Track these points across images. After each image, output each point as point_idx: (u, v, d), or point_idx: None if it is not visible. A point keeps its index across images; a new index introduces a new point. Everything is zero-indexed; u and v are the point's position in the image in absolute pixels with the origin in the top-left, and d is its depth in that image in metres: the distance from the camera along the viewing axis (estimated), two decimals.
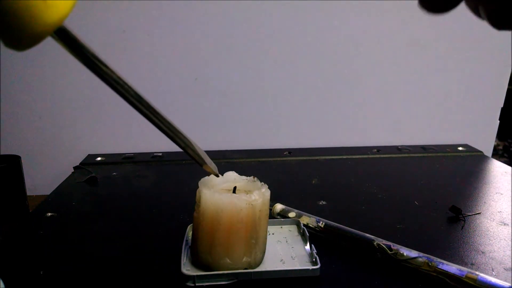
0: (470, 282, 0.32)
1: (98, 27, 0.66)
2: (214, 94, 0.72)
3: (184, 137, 0.29)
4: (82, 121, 0.71)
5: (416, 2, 0.20)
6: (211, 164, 0.32)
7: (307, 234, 0.39)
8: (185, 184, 0.57)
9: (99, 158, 0.68)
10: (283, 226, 0.42)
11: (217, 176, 0.34)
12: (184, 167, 0.65)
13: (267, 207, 0.35)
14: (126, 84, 0.25)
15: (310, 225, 0.41)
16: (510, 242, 0.40)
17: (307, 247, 0.38)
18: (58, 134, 0.71)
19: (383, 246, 0.36)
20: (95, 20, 0.65)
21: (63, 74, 0.67)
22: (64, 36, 0.22)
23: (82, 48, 0.23)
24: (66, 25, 0.22)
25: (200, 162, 0.31)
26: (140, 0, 0.65)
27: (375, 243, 0.37)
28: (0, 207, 0.47)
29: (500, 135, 0.85)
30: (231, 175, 0.37)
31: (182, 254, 0.35)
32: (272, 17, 0.68)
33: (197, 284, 0.33)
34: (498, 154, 1.04)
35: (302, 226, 0.41)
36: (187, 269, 0.34)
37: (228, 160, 0.67)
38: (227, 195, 0.33)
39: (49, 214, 0.48)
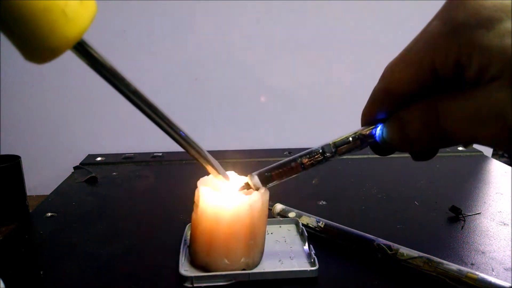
0: (470, 282, 0.31)
1: (98, 27, 0.65)
2: (214, 94, 0.72)
3: (198, 147, 0.29)
4: (82, 121, 0.71)
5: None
6: (224, 175, 0.33)
7: (306, 234, 0.39)
8: (185, 184, 0.56)
9: (99, 158, 0.68)
10: (282, 226, 0.42)
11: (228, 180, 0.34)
12: (184, 167, 0.65)
13: (265, 207, 0.35)
14: (142, 95, 0.25)
15: (310, 225, 0.41)
16: (510, 242, 0.40)
17: (306, 247, 0.38)
18: (58, 134, 0.71)
19: (383, 246, 0.36)
20: (95, 20, 0.65)
21: (63, 74, 0.67)
22: (83, 50, 0.22)
23: (100, 61, 0.23)
24: (85, 38, 0.22)
25: (212, 172, 0.32)
26: (140, 0, 0.65)
27: (375, 243, 0.37)
28: (0, 207, 0.47)
29: None
30: (231, 175, 0.37)
31: (181, 255, 0.35)
32: (272, 17, 0.68)
33: (195, 285, 0.33)
34: (498, 154, 1.03)
35: (301, 226, 0.41)
36: (185, 269, 0.34)
37: (228, 160, 0.67)
38: (226, 195, 0.33)
39: (49, 214, 0.48)
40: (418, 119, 0.23)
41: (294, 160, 0.29)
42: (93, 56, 0.23)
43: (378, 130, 0.27)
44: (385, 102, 0.26)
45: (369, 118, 0.28)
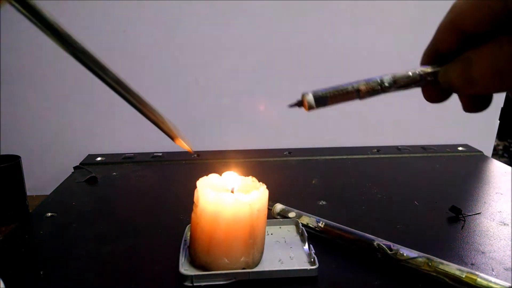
0: (470, 282, 0.31)
1: (98, 27, 0.66)
2: (214, 94, 0.72)
3: (155, 111, 0.28)
4: (82, 121, 0.71)
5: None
6: (183, 139, 0.31)
7: (306, 234, 0.39)
8: (185, 184, 0.56)
9: (99, 158, 0.68)
10: (282, 227, 0.42)
11: (191, 152, 0.33)
12: (184, 167, 0.65)
13: (265, 207, 0.35)
14: (91, 55, 0.24)
15: (310, 225, 0.41)
16: (510, 242, 0.40)
17: (306, 247, 0.38)
18: (58, 134, 0.71)
19: (383, 246, 0.36)
20: (95, 20, 0.65)
21: (63, 74, 0.68)
22: (22, 2, 0.21)
23: (41, 14, 0.22)
24: None
25: (172, 137, 0.30)
26: (140, 0, 0.65)
27: (375, 243, 0.37)
28: (0, 207, 0.47)
29: (500, 135, 0.85)
30: (230, 175, 0.37)
31: (181, 254, 0.35)
32: (272, 17, 0.68)
33: (195, 284, 0.33)
34: (498, 154, 1.03)
35: (301, 226, 0.41)
36: (185, 269, 0.34)
37: (228, 160, 0.67)
38: (225, 195, 0.33)
39: (49, 214, 0.48)
40: (486, 58, 0.22)
41: (351, 84, 0.29)
42: (33, 8, 0.22)
43: (440, 69, 0.26)
44: (450, 37, 0.24)
45: (431, 56, 0.27)
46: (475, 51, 0.23)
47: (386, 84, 0.27)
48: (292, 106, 0.30)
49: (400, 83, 0.27)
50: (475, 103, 0.26)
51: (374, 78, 0.28)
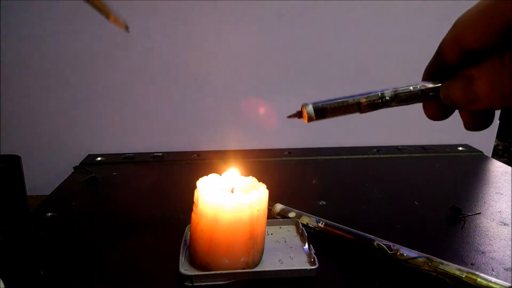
0: (470, 282, 0.31)
1: (98, 27, 0.66)
2: (214, 94, 0.72)
3: None
4: (82, 121, 0.71)
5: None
6: (118, 18, 0.30)
7: (306, 234, 0.39)
8: (185, 184, 0.56)
9: (99, 158, 0.68)
10: (282, 227, 0.42)
11: (127, 30, 0.30)
12: (184, 167, 0.65)
13: (265, 207, 0.35)
14: None
15: (310, 225, 0.41)
16: (510, 242, 0.40)
17: (306, 247, 0.38)
18: (58, 134, 0.71)
19: (383, 246, 0.36)
20: (95, 20, 0.65)
21: (63, 74, 0.67)
22: None
23: None
24: None
25: (106, 14, 0.29)
26: (140, 0, 0.65)
27: (375, 243, 0.37)
28: (0, 207, 0.47)
29: (500, 135, 0.85)
30: (230, 175, 0.37)
31: (181, 254, 0.35)
32: (271, 17, 0.68)
33: (195, 284, 0.33)
34: (498, 154, 1.03)
35: (301, 226, 0.41)
36: (185, 269, 0.34)
37: (228, 160, 0.67)
38: (225, 195, 0.33)
39: (49, 214, 0.48)
40: (489, 75, 0.22)
41: (352, 97, 0.29)
42: None
43: (442, 84, 0.26)
44: (452, 52, 0.24)
45: (433, 71, 0.27)
46: (477, 67, 0.23)
47: (387, 98, 0.27)
48: (291, 117, 0.30)
49: (401, 97, 0.27)
50: (476, 121, 0.26)
51: (375, 92, 0.28)
